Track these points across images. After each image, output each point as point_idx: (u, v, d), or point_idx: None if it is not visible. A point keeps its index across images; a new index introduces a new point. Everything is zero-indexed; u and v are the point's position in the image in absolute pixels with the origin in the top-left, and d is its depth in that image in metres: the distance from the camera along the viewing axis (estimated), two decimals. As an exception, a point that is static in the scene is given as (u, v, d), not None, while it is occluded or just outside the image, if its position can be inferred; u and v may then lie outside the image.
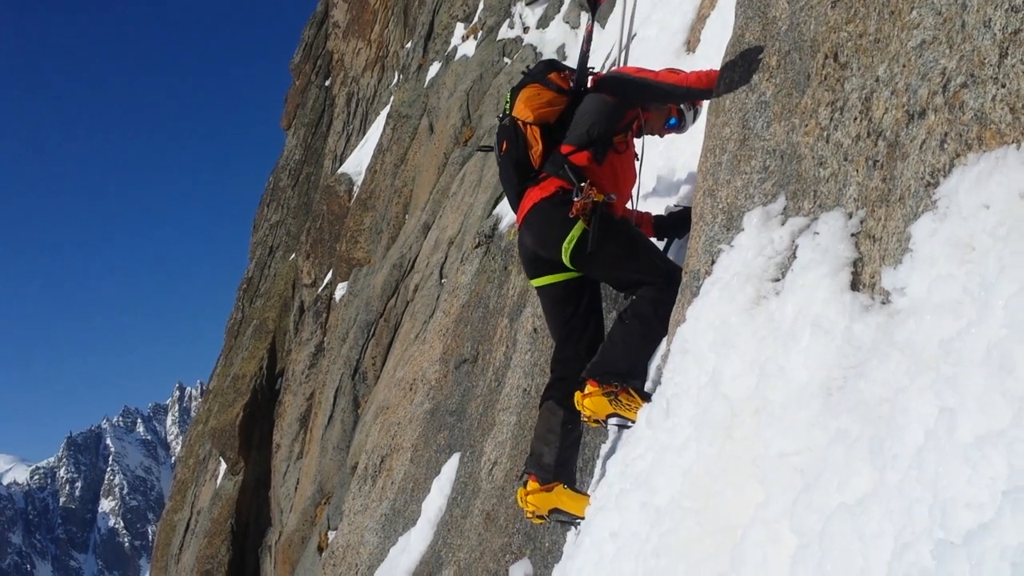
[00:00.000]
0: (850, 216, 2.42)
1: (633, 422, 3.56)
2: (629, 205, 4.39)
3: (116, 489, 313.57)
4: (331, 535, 10.27)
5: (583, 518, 3.66)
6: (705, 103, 4.19)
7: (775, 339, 2.52)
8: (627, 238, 3.94)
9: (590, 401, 3.77)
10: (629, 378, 3.76)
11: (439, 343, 7.84)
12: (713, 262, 3.15)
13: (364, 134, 21.49)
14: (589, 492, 3.95)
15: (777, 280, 2.72)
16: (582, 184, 3.89)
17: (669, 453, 2.88)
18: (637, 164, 4.38)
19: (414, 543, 6.03)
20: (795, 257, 2.61)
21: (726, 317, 2.84)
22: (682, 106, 4.39)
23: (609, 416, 3.76)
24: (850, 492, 1.94)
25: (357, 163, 19.49)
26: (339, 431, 13.09)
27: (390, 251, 13.96)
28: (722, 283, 2.94)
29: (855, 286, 2.31)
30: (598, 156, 4.05)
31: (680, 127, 4.42)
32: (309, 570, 11.73)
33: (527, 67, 4.63)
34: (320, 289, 18.26)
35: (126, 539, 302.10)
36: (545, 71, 4.22)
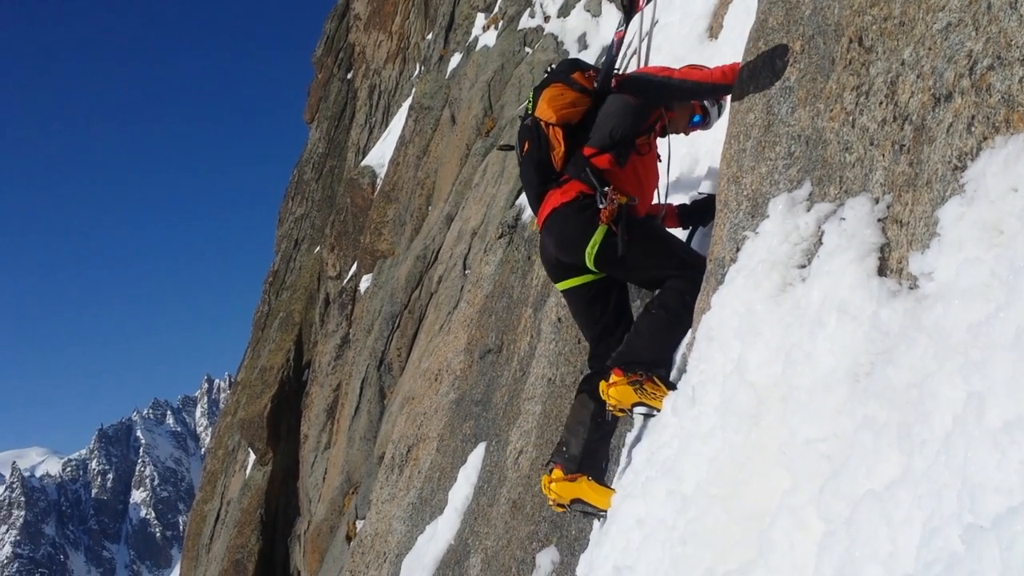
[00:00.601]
0: (876, 201, 2.40)
1: (659, 411, 3.54)
2: (655, 200, 4.36)
3: (147, 480, 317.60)
4: (359, 524, 10.36)
5: (605, 511, 3.67)
6: (729, 97, 4.15)
7: (801, 326, 2.51)
8: (651, 238, 3.93)
9: (615, 390, 3.75)
10: (654, 367, 3.74)
11: (464, 333, 7.87)
12: (738, 249, 3.14)
13: (386, 126, 21.53)
14: (615, 481, 3.96)
15: (803, 267, 2.71)
16: (605, 189, 3.86)
17: (695, 441, 2.88)
18: (661, 164, 4.35)
19: (441, 531, 6.07)
20: (821, 243, 2.60)
21: (751, 304, 2.83)
22: (706, 102, 4.33)
23: (635, 405, 3.74)
24: (878, 478, 1.93)
25: (380, 155, 19.55)
26: (366, 422, 13.18)
27: (414, 243, 14.00)
28: (747, 270, 2.93)
29: (882, 271, 2.30)
30: (620, 159, 4.00)
31: (705, 124, 4.35)
32: (338, 559, 11.84)
33: (551, 65, 4.57)
34: (345, 281, 18.35)
35: (157, 529, 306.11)
36: (569, 70, 4.16)
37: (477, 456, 6.20)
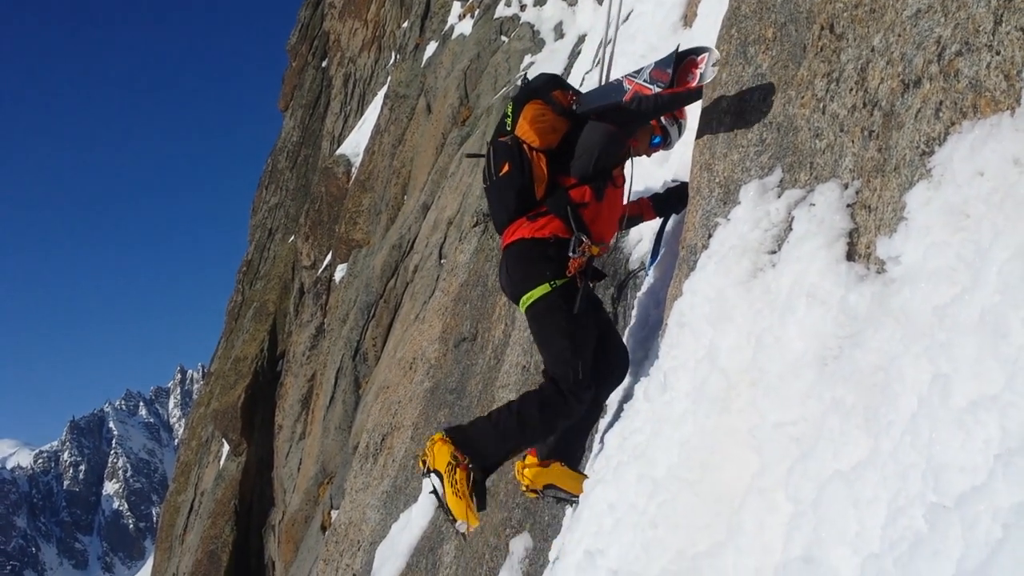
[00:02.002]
0: (846, 187, 2.42)
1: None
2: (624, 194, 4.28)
3: (120, 472, 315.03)
4: (334, 514, 10.34)
5: (578, 496, 3.65)
6: (689, 113, 4.09)
7: (771, 311, 2.52)
8: (572, 330, 3.69)
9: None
10: (476, 459, 3.57)
11: (438, 322, 7.86)
12: (710, 236, 3.15)
13: (362, 115, 21.42)
14: (587, 466, 3.97)
15: (773, 252, 2.72)
16: (583, 239, 3.72)
17: (666, 426, 2.89)
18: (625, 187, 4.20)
19: (415, 519, 6.08)
20: (791, 229, 2.61)
21: (722, 290, 2.84)
22: (664, 122, 4.18)
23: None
24: (845, 460, 1.95)
25: (355, 144, 19.45)
26: (340, 412, 13.14)
27: (389, 232, 13.95)
28: (719, 256, 2.94)
29: (851, 256, 2.32)
30: (599, 192, 3.87)
31: (666, 144, 4.25)
32: (313, 548, 11.81)
33: (525, 76, 4.36)
34: (320, 271, 18.26)
35: (131, 521, 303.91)
36: (549, 87, 3.96)
37: (452, 444, 6.20)
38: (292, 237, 23.38)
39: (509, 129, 3.89)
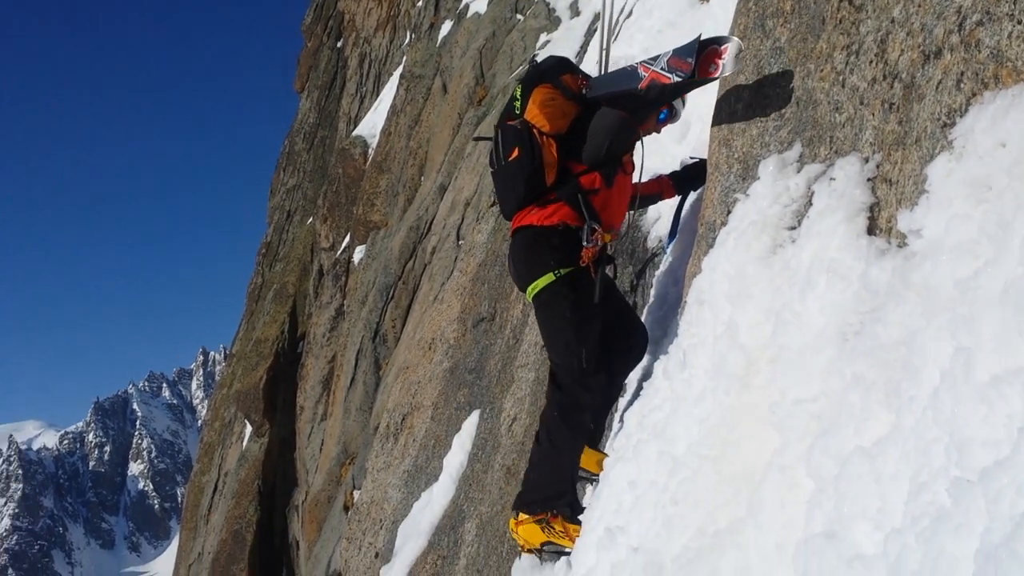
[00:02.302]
0: (866, 160, 2.39)
1: (569, 550, 3.48)
2: (635, 178, 4.22)
3: (144, 453, 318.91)
4: (356, 494, 10.43)
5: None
6: (706, 89, 4.00)
7: (791, 287, 2.51)
8: (579, 319, 3.68)
9: (523, 529, 3.73)
10: (556, 500, 3.66)
11: (457, 302, 7.87)
12: (729, 212, 3.13)
13: (377, 96, 21.39)
14: (607, 445, 3.98)
15: (793, 228, 2.70)
16: (595, 227, 3.70)
17: (686, 403, 2.89)
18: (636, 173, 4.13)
19: (436, 498, 6.12)
20: (811, 204, 2.59)
21: (742, 266, 2.83)
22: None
23: (544, 544, 3.72)
24: (866, 436, 1.94)
25: (371, 125, 19.43)
26: (361, 393, 13.22)
27: (407, 213, 13.96)
28: (738, 232, 2.93)
29: (872, 231, 2.30)
30: (609, 178, 3.81)
31: (673, 117, 4.13)
32: (336, 528, 11.93)
33: (534, 57, 4.26)
34: (338, 253, 18.31)
35: (156, 501, 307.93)
36: (558, 70, 3.87)
37: (471, 423, 6.23)
38: (310, 219, 23.45)
39: (518, 113, 3.81)
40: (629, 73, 3.82)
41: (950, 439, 1.62)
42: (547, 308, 3.75)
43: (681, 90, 3.80)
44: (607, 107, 3.80)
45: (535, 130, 3.72)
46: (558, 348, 3.75)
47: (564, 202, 3.75)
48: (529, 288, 3.77)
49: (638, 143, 3.99)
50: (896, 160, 2.23)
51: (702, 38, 3.61)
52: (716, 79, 3.60)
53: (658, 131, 4.24)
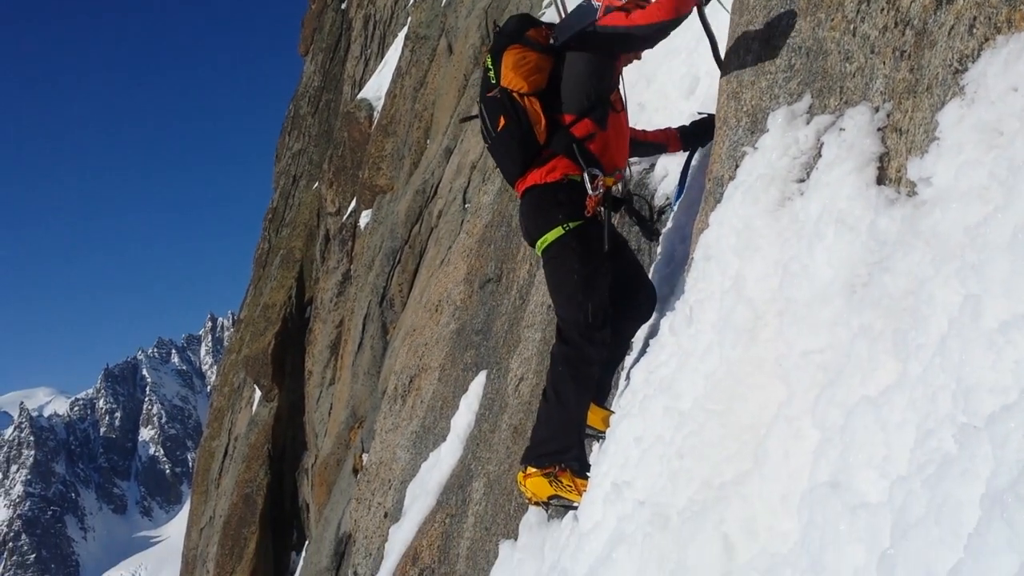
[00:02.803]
0: (876, 110, 2.36)
1: (576, 504, 3.49)
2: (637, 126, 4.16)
3: (155, 418, 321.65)
4: (365, 457, 10.51)
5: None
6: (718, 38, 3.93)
7: (799, 239, 2.49)
8: (585, 273, 3.69)
9: (531, 482, 3.74)
10: (563, 454, 3.69)
11: (463, 264, 7.86)
12: (737, 166, 3.10)
13: (382, 58, 21.19)
14: (614, 402, 3.99)
15: (802, 180, 2.68)
16: (596, 172, 3.70)
17: (692, 358, 2.89)
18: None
19: (444, 458, 6.16)
20: (820, 156, 2.57)
21: (749, 220, 2.81)
22: None
23: (551, 498, 3.73)
24: (873, 385, 1.94)
25: (376, 88, 19.27)
26: (369, 357, 13.26)
27: (413, 177, 13.90)
28: (746, 186, 2.90)
29: (881, 180, 2.27)
30: (601, 121, 3.79)
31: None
32: (345, 491, 12.04)
33: (495, 24, 4.19)
34: (344, 217, 18.28)
35: (167, 466, 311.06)
36: (521, 28, 3.84)
37: (478, 384, 6.25)
38: (316, 184, 23.38)
39: (495, 82, 3.81)
40: (586, 8, 3.77)
41: (957, 386, 1.61)
42: (556, 261, 3.75)
43: (650, 33, 3.65)
44: (575, 51, 3.77)
45: (515, 94, 3.73)
46: (564, 302, 3.75)
47: (561, 155, 3.75)
48: (539, 243, 3.78)
49: (620, 78, 3.96)
50: (907, 108, 2.20)
51: None
52: (671, 18, 3.52)
53: (639, 58, 4.18)
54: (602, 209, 3.75)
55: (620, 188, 4.23)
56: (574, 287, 3.69)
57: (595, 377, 3.77)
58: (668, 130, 4.49)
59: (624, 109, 3.98)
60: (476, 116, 4.01)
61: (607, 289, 3.79)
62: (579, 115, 3.78)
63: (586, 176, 3.70)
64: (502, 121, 3.76)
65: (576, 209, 3.70)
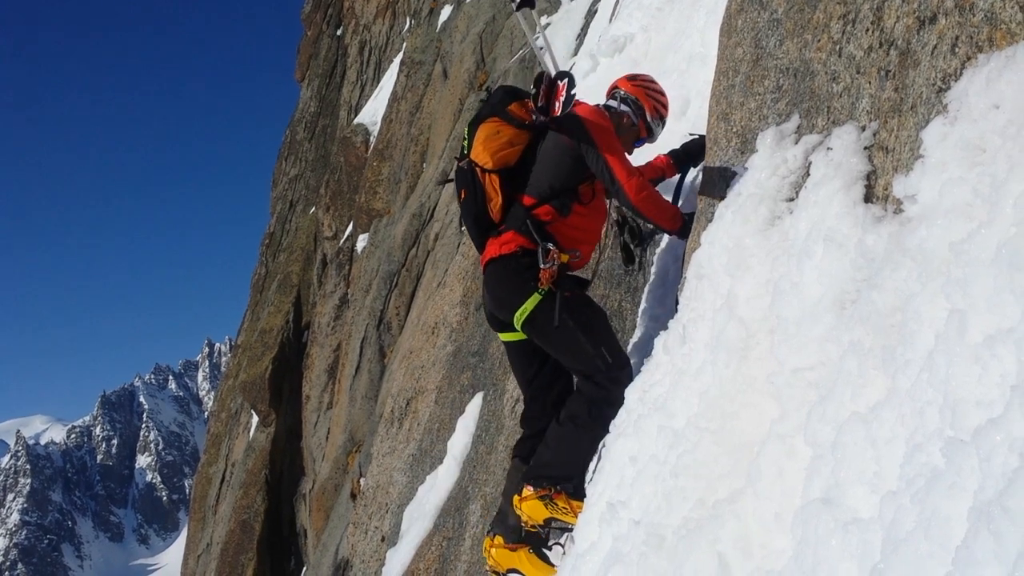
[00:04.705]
0: (863, 129, 2.39)
1: (572, 527, 3.45)
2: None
3: (152, 445, 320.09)
4: (363, 482, 10.47)
5: None
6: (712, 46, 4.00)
7: (789, 257, 2.51)
8: (583, 320, 3.65)
9: (527, 505, 3.69)
10: (563, 481, 3.64)
11: (459, 286, 7.88)
12: (727, 186, 3.13)
13: (378, 83, 21.35)
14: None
15: (791, 200, 2.70)
16: (549, 247, 3.62)
17: (686, 377, 2.90)
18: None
19: (441, 480, 6.15)
20: (808, 175, 2.59)
21: (740, 239, 2.83)
22: (649, 120, 4.08)
23: (547, 520, 3.69)
24: (863, 401, 1.95)
25: (372, 113, 19.40)
26: (367, 381, 13.25)
27: (409, 201, 13.95)
28: (736, 206, 2.93)
29: (868, 199, 2.30)
30: (563, 209, 3.73)
31: (651, 140, 4.19)
32: (343, 516, 11.98)
33: (487, 89, 4.24)
34: (341, 241, 18.32)
35: (164, 493, 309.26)
36: (504, 100, 3.84)
37: (475, 406, 6.25)
38: (313, 208, 23.45)
39: (466, 152, 3.83)
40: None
41: (944, 400, 1.62)
42: (545, 326, 3.65)
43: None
44: (554, 132, 3.77)
45: (478, 168, 3.75)
46: (576, 357, 3.66)
47: (516, 232, 3.73)
48: (518, 314, 3.68)
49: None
50: (892, 127, 2.23)
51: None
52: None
53: (630, 152, 4.15)
54: (553, 288, 3.64)
55: (586, 272, 4.16)
56: (578, 340, 3.61)
57: (611, 419, 3.62)
58: (659, 158, 4.48)
59: (594, 201, 3.88)
60: (452, 180, 4.02)
61: (610, 327, 3.76)
62: (540, 200, 3.75)
63: (540, 250, 3.64)
64: (463, 194, 3.82)
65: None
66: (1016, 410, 1.41)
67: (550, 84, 3.82)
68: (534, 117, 3.80)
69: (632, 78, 4.17)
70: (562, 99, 3.76)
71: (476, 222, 3.81)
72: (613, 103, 4.09)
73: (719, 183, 3.28)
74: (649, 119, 4.06)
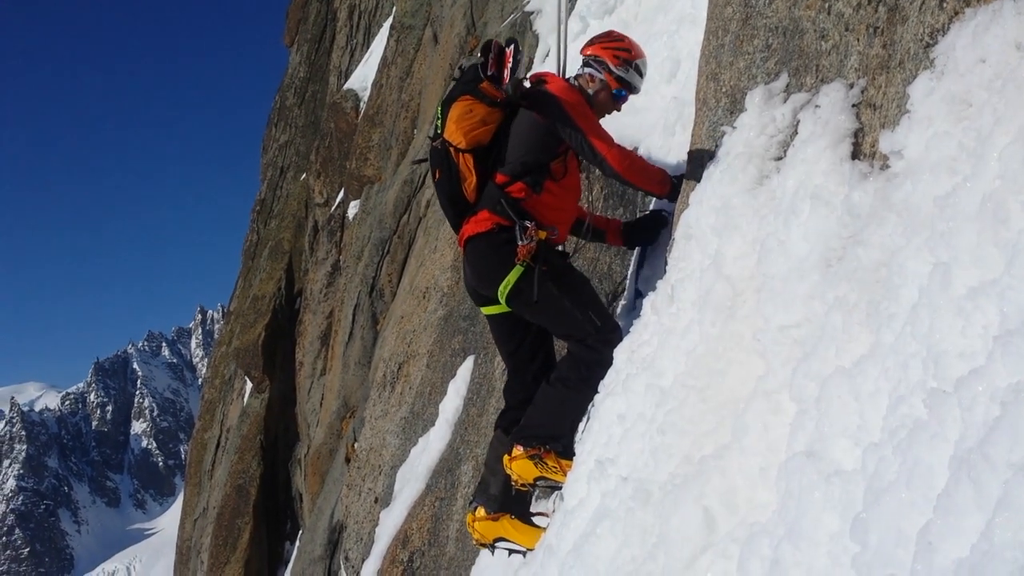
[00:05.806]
0: (851, 86, 2.39)
1: (562, 484, 3.47)
2: (585, 205, 4.05)
3: (146, 411, 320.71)
4: (357, 446, 10.54)
5: (531, 549, 3.72)
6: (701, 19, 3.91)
7: (776, 215, 2.52)
8: (567, 288, 3.66)
9: (517, 464, 3.70)
10: (552, 441, 3.65)
11: (450, 251, 7.87)
12: (716, 146, 3.13)
13: (368, 48, 21.11)
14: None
15: (779, 159, 2.70)
16: (527, 224, 3.61)
17: (673, 336, 2.92)
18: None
19: (433, 442, 6.19)
20: (797, 133, 2.59)
21: (728, 199, 2.84)
22: (617, 71, 3.95)
23: (537, 480, 3.70)
24: (847, 356, 1.97)
25: (363, 78, 19.20)
26: (359, 347, 13.26)
27: (400, 167, 13.87)
28: (724, 165, 2.93)
29: (856, 156, 2.30)
30: (536, 186, 3.72)
31: (632, 90, 4.06)
32: (338, 480, 12.06)
33: (460, 67, 4.15)
34: (333, 208, 18.24)
35: (159, 459, 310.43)
36: (476, 79, 3.78)
37: (466, 369, 6.27)
38: (304, 175, 23.32)
39: (439, 132, 3.80)
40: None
41: (927, 353, 1.64)
42: (529, 296, 3.65)
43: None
44: (525, 109, 3.75)
45: (451, 148, 3.73)
46: (565, 325, 3.68)
47: (490, 210, 3.73)
48: (501, 288, 3.68)
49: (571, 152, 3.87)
50: (880, 84, 2.22)
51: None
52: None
53: (619, 109, 4.11)
54: (532, 263, 3.63)
55: (565, 246, 4.12)
56: (565, 307, 3.63)
57: (599, 381, 3.63)
58: (612, 222, 4.39)
59: (568, 177, 3.86)
60: (426, 160, 4.01)
61: (595, 292, 3.77)
62: (512, 178, 3.73)
63: (517, 227, 3.63)
64: (437, 174, 3.81)
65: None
66: (998, 361, 1.43)
67: (499, 52, 3.78)
68: (505, 93, 3.75)
69: (589, 42, 4.10)
70: (510, 66, 3.73)
71: (451, 202, 3.82)
72: (579, 72, 4.04)
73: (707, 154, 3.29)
74: (613, 68, 3.95)
